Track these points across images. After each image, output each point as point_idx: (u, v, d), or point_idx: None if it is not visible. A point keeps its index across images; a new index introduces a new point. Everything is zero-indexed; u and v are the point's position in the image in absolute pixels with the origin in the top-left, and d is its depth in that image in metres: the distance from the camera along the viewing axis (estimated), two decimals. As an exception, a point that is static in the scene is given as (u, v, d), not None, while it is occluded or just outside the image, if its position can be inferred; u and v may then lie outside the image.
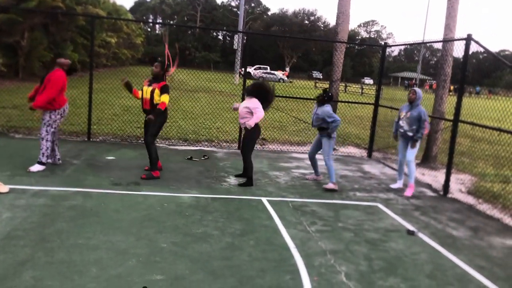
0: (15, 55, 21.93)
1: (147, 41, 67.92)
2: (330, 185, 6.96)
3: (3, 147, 7.85)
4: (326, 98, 7.01)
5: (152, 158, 6.60)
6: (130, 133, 10.14)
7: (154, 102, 6.50)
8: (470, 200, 7.18)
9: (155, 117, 6.39)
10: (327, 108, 6.95)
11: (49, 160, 6.81)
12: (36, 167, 6.43)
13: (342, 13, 10.74)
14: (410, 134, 7.01)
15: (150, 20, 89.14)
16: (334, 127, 6.90)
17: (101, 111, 11.61)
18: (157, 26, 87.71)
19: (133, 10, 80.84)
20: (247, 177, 6.78)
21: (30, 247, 4.04)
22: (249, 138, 6.76)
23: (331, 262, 4.30)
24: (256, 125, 6.67)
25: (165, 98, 6.47)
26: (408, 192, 7.03)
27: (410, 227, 5.52)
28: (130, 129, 10.51)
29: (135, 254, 4.10)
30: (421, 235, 5.30)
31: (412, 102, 7.03)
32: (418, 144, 7.06)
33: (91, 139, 9.21)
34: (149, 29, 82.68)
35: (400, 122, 7.19)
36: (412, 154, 7.05)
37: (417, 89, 7.10)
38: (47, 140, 6.45)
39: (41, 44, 22.81)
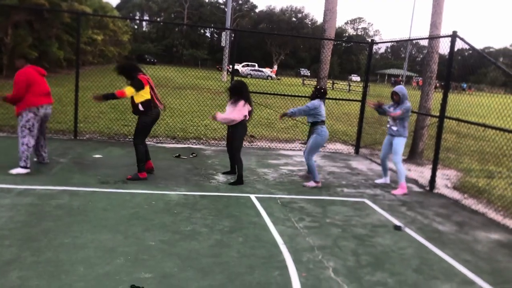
0: (-2, 53, 21.63)
1: (133, 38, 67.38)
2: (312, 183, 6.99)
3: (-12, 146, 7.74)
4: (317, 93, 7.03)
5: (137, 159, 6.47)
6: (117, 131, 10.07)
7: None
8: (455, 195, 7.27)
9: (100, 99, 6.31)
10: (311, 102, 6.99)
11: (35, 159, 6.74)
12: (16, 170, 6.22)
13: (329, 10, 10.77)
14: (394, 128, 7.05)
15: (137, 17, 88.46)
16: (298, 111, 6.94)
17: (88, 109, 11.52)
18: (143, 23, 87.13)
19: (119, 7, 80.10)
20: (237, 175, 6.77)
21: (16, 246, 4.00)
22: (237, 137, 6.75)
23: (319, 258, 4.33)
24: (242, 123, 6.67)
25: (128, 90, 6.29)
26: (399, 191, 7.03)
27: (397, 222, 5.58)
28: (117, 127, 10.44)
29: (123, 252, 4.08)
30: (408, 230, 5.36)
31: (397, 103, 7.09)
32: (403, 143, 7.08)
33: (77, 137, 9.13)
34: (135, 26, 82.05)
35: (388, 119, 7.25)
36: (398, 156, 7.07)
37: (398, 89, 7.08)
38: (22, 144, 6.21)
39: (25, 41, 22.50)
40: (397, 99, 7.04)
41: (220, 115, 6.62)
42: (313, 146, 6.95)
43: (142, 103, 6.33)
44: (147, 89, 6.36)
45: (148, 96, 6.38)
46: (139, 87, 6.28)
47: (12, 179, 5.93)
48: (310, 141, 7.03)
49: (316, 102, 6.95)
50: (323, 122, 6.94)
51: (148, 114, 6.41)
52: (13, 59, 21.57)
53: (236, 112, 6.55)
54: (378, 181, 7.59)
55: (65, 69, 30.75)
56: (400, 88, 7.08)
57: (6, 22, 20.96)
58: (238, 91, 6.68)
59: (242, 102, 6.59)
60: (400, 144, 7.07)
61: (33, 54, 23.22)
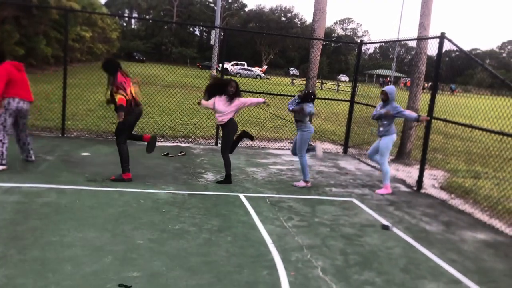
0: (-15, 49, 21.30)
1: (122, 35, 66.89)
2: (302, 183, 7.02)
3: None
4: (310, 98, 6.99)
5: (121, 160, 6.31)
6: (105, 129, 9.99)
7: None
8: (442, 195, 7.34)
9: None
10: (309, 105, 6.98)
11: (21, 157, 6.67)
12: None
13: (319, 10, 10.80)
14: (381, 129, 7.08)
15: (126, 15, 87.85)
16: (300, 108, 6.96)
17: (76, 107, 11.41)
18: (132, 20, 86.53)
19: (108, 4, 79.40)
20: (225, 174, 6.75)
21: (2, 245, 3.95)
22: (225, 136, 6.73)
23: (308, 257, 4.35)
24: (232, 121, 6.66)
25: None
26: (383, 191, 7.07)
27: (385, 222, 5.62)
28: (105, 125, 10.35)
29: (111, 251, 4.06)
30: (395, 229, 5.40)
31: (385, 102, 7.11)
32: (389, 143, 7.09)
33: (65, 135, 9.04)
34: (124, 24, 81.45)
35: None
36: (383, 157, 7.11)
37: (388, 88, 7.09)
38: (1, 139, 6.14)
39: (11, 37, 22.21)
40: (385, 99, 7.07)
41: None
42: (304, 142, 6.98)
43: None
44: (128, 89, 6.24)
45: (129, 96, 6.23)
46: (122, 88, 6.14)
47: (-2, 176, 5.86)
48: (298, 138, 7.02)
49: (312, 105, 6.94)
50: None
51: (129, 113, 6.23)
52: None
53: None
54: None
55: (52, 66, 30.41)
56: (390, 89, 7.10)
57: (-7, 18, 20.68)
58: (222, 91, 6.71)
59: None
60: (385, 144, 7.06)
61: (20, 51, 22.96)
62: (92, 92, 13.03)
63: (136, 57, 58.91)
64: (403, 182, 7.97)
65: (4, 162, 6.20)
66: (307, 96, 6.92)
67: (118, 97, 6.05)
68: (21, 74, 6.35)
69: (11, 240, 4.07)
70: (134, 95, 6.35)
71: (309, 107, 6.79)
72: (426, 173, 7.82)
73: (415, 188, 7.52)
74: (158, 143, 9.22)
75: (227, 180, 6.70)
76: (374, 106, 7.85)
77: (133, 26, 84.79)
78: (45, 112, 10.90)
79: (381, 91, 7.14)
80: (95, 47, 43.52)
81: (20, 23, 23.97)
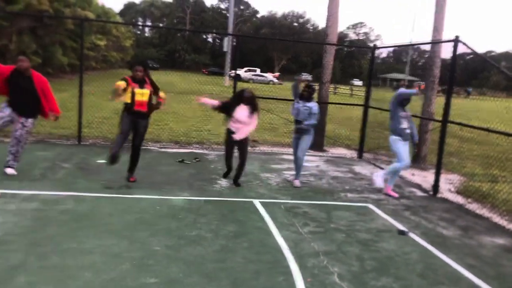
0: (3, 59, 21.72)
1: (136, 43, 67.62)
2: (298, 182, 7.13)
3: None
4: (311, 93, 7.12)
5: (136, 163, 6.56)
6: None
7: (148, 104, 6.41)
8: (459, 199, 7.27)
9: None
10: (314, 104, 7.06)
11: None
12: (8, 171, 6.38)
13: (332, 15, 10.81)
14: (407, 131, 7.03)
15: (140, 23, 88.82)
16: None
17: (91, 114, 11.55)
18: (146, 28, 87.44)
19: (122, 13, 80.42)
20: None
21: (22, 252, 4.02)
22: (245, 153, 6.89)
23: (324, 263, 4.34)
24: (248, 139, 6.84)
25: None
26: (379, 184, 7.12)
27: (402, 227, 5.58)
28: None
29: (128, 257, 4.10)
30: (412, 234, 5.36)
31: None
32: (394, 142, 7.04)
33: (81, 143, 9.17)
34: (138, 32, 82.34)
35: (404, 124, 7.02)
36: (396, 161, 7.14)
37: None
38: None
39: (29, 48, 22.62)
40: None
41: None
42: (308, 145, 7.13)
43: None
44: (129, 91, 6.29)
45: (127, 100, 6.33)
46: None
47: (17, 184, 5.96)
48: (307, 141, 7.05)
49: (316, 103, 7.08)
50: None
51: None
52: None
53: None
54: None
55: (68, 74, 30.84)
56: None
57: (11, 29, 21.07)
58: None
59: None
60: (392, 143, 7.05)
61: (36, 61, 23.35)
62: (107, 99, 13.17)
63: (150, 65, 59.27)
64: (419, 186, 7.90)
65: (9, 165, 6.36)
66: (310, 93, 7.08)
67: (162, 93, 6.44)
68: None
69: (31, 247, 4.14)
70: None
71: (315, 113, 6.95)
72: (442, 177, 7.75)
73: (431, 193, 7.46)
74: (173, 150, 9.30)
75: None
76: (389, 111, 7.80)
77: (146, 34, 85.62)
78: (61, 120, 11.03)
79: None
80: (110, 55, 44.07)
81: (36, 34, 24.40)
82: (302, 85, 7.34)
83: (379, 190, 7.37)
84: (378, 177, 7.09)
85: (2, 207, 5.07)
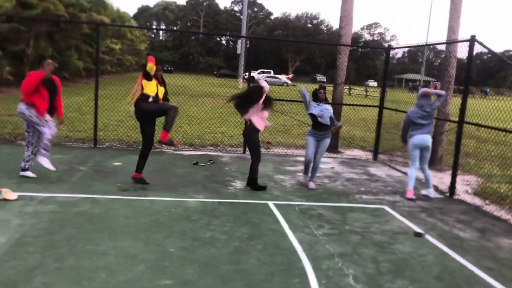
0: (21, 64, 22.10)
1: (151, 47, 68.20)
2: (313, 184, 7.13)
3: (11, 155, 7.91)
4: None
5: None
6: (136, 138, 10.17)
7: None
8: (476, 201, 7.17)
9: None
10: (329, 106, 7.11)
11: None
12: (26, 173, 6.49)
13: (345, 16, 10.77)
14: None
15: (154, 27, 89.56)
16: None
17: (107, 117, 11.68)
18: (160, 32, 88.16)
19: (136, 16, 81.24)
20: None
21: (39, 253, 4.08)
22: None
23: (339, 265, 4.31)
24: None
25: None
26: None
27: (418, 229, 5.52)
28: (136, 134, 10.53)
29: (143, 259, 4.13)
30: (428, 236, 5.29)
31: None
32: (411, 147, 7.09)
33: (97, 146, 9.27)
34: (152, 35, 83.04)
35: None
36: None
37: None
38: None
39: (45, 52, 22.95)
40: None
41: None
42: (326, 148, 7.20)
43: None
44: (153, 84, 6.42)
45: (152, 93, 6.41)
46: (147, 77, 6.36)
47: (35, 187, 6.05)
48: (327, 143, 7.06)
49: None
50: None
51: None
52: (34, 70, 22.10)
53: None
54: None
55: (84, 79, 31.27)
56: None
57: (28, 34, 21.42)
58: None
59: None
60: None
61: (53, 65, 23.73)
62: (123, 103, 13.29)
63: (164, 68, 59.76)
64: (435, 188, 7.80)
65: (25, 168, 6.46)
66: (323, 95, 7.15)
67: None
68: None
69: (47, 248, 4.19)
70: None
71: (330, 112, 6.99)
72: (459, 178, 7.65)
73: (448, 194, 7.37)
74: (187, 152, 9.35)
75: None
76: (404, 112, 7.73)
77: (161, 37, 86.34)
78: (77, 124, 11.20)
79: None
80: (125, 58, 44.56)
81: (53, 38, 24.77)
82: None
83: (394, 192, 7.31)
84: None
85: (20, 209, 5.15)
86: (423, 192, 7.21)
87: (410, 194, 6.94)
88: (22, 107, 6.27)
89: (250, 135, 6.78)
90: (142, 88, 6.35)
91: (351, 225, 5.51)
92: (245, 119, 6.85)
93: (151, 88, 6.31)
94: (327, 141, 7.10)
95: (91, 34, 26.77)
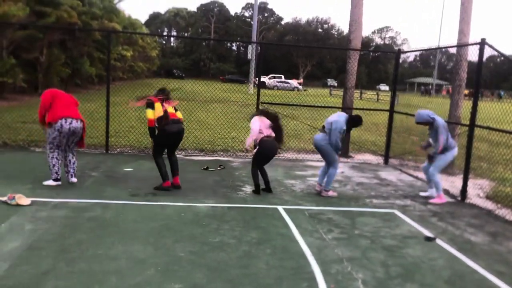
0: (34, 71, 22.44)
1: (162, 53, 68.74)
2: (331, 192, 7.03)
3: (25, 161, 8.04)
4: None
5: (159, 172, 6.70)
6: (147, 144, 10.26)
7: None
8: (488, 205, 7.10)
9: None
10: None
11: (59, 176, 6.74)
12: (48, 182, 6.50)
13: (355, 21, 10.77)
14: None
15: (165, 33, 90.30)
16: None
17: (118, 124, 11.80)
18: (171, 38, 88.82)
19: (147, 23, 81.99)
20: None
21: (51, 257, 4.14)
22: (256, 153, 6.88)
23: (348, 270, 4.31)
24: (260, 141, 6.78)
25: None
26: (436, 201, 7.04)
27: (428, 233, 5.49)
28: (147, 140, 10.63)
29: (153, 263, 4.17)
30: (438, 241, 5.26)
31: (429, 127, 7.11)
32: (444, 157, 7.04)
33: (109, 151, 9.37)
34: (164, 42, 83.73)
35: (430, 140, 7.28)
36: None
37: (419, 114, 7.08)
38: (51, 157, 6.45)
39: (58, 60, 23.30)
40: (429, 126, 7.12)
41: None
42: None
43: (156, 120, 6.50)
44: (157, 106, 6.48)
45: (160, 113, 6.47)
46: (151, 106, 6.49)
47: (48, 192, 6.14)
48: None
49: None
50: None
51: (160, 130, 6.53)
52: (47, 77, 22.44)
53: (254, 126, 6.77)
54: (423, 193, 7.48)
55: (96, 85, 31.61)
56: (424, 115, 7.05)
57: (42, 42, 21.77)
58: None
59: (256, 117, 6.88)
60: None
61: (66, 72, 24.04)
62: (134, 109, 13.42)
63: (176, 74, 60.45)
64: (446, 192, 7.74)
65: (59, 177, 6.54)
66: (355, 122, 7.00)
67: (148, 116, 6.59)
68: (64, 94, 6.67)
69: (59, 253, 4.26)
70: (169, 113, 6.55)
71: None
72: (471, 182, 7.59)
73: (459, 198, 7.31)
74: (198, 158, 9.41)
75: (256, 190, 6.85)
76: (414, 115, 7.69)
77: (172, 44, 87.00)
78: (89, 130, 11.30)
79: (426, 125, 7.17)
80: (136, 65, 44.95)
81: (66, 46, 25.12)
82: None
83: (405, 196, 7.28)
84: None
85: (33, 215, 5.23)
86: (424, 193, 7.35)
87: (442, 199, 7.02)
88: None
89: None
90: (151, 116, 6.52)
91: (361, 230, 5.50)
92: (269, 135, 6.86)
93: (158, 110, 6.46)
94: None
95: (103, 41, 27.10)
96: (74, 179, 6.75)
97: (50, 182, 6.49)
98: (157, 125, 6.49)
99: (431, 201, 6.99)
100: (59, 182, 6.53)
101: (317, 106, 11.30)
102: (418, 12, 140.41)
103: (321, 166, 7.69)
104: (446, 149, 6.95)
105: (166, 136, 6.54)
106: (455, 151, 7.08)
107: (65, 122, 6.32)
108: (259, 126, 6.75)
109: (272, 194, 6.84)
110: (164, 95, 6.68)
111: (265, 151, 6.78)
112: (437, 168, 7.05)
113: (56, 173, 6.49)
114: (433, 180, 7.05)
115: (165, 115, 6.45)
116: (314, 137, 7.13)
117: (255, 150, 6.87)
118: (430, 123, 7.01)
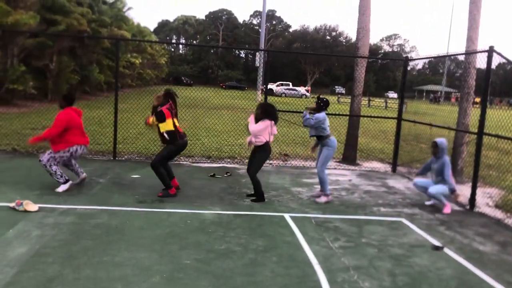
0: (44, 78, 22.67)
1: (170, 61, 69.13)
2: (323, 198, 6.95)
3: (33, 167, 8.08)
4: (322, 105, 7.08)
5: (160, 179, 6.72)
6: (154, 151, 10.29)
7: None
8: (498, 214, 7.02)
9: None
10: (316, 115, 7.01)
11: (77, 181, 6.97)
12: (61, 188, 6.57)
13: (362, 28, 10.77)
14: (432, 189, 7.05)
15: (174, 41, 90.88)
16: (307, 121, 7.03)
17: (126, 130, 11.86)
18: (180, 46, 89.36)
19: (156, 31, 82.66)
20: (258, 194, 6.81)
21: (58, 264, 4.15)
22: (259, 158, 6.80)
23: (354, 278, 4.27)
24: (267, 144, 6.72)
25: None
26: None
27: (436, 242, 5.43)
28: (154, 147, 10.67)
29: (159, 270, 4.16)
30: (446, 250, 5.21)
31: (435, 155, 7.04)
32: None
33: (116, 158, 9.41)
34: (172, 49, 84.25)
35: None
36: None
37: (439, 140, 7.04)
38: (49, 166, 6.53)
39: (68, 67, 23.52)
40: (435, 152, 7.05)
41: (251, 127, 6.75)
42: (327, 158, 7.04)
43: (167, 132, 6.64)
44: (169, 121, 6.65)
45: (171, 127, 6.66)
46: (160, 119, 6.63)
47: (55, 199, 6.17)
48: (323, 154, 7.03)
49: (322, 115, 7.01)
50: (328, 136, 7.04)
51: (174, 144, 6.70)
52: (57, 84, 22.65)
53: (263, 128, 6.63)
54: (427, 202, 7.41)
55: (105, 92, 31.85)
56: (443, 140, 7.04)
57: (52, 49, 22.01)
58: (266, 113, 6.76)
59: (269, 122, 6.67)
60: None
61: (75, 79, 24.26)
62: (142, 116, 13.49)
63: (184, 81, 60.77)
64: (455, 200, 7.67)
65: (67, 177, 6.66)
66: (318, 105, 7.07)
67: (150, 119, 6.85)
68: (80, 119, 6.85)
69: (66, 259, 4.27)
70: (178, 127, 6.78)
71: (311, 119, 6.90)
72: (480, 191, 7.52)
73: (468, 207, 7.24)
74: (204, 164, 9.42)
75: (260, 198, 6.80)
76: (423, 123, 7.66)
77: (180, 51, 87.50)
78: (97, 137, 11.39)
79: (432, 143, 7.05)
80: (145, 72, 45.23)
81: (75, 53, 25.36)
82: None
83: (413, 205, 7.23)
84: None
85: (40, 221, 5.26)
86: (428, 202, 7.32)
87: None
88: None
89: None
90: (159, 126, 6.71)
91: (368, 238, 5.46)
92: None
93: (170, 124, 6.66)
94: (323, 150, 7.09)
95: (112, 49, 27.33)
96: (84, 174, 7.06)
97: (63, 187, 6.58)
98: (168, 137, 6.66)
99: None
100: (71, 181, 6.68)
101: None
102: (427, 20, 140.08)
103: (327, 174, 7.67)
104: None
105: (177, 149, 6.83)
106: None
107: (80, 148, 6.77)
108: (266, 131, 6.70)
109: (276, 201, 6.82)
110: (172, 100, 6.85)
111: (268, 154, 6.84)
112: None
113: (61, 175, 6.58)
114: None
115: (176, 131, 6.72)
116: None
117: (258, 153, 6.81)
118: (439, 155, 7.00)
